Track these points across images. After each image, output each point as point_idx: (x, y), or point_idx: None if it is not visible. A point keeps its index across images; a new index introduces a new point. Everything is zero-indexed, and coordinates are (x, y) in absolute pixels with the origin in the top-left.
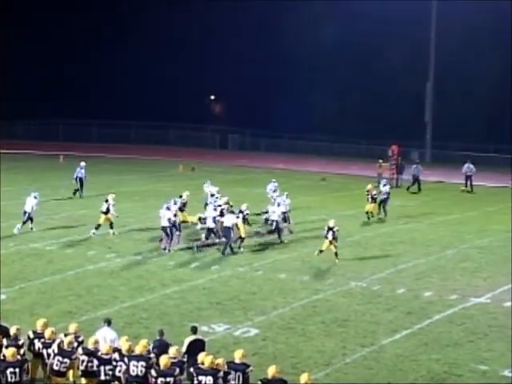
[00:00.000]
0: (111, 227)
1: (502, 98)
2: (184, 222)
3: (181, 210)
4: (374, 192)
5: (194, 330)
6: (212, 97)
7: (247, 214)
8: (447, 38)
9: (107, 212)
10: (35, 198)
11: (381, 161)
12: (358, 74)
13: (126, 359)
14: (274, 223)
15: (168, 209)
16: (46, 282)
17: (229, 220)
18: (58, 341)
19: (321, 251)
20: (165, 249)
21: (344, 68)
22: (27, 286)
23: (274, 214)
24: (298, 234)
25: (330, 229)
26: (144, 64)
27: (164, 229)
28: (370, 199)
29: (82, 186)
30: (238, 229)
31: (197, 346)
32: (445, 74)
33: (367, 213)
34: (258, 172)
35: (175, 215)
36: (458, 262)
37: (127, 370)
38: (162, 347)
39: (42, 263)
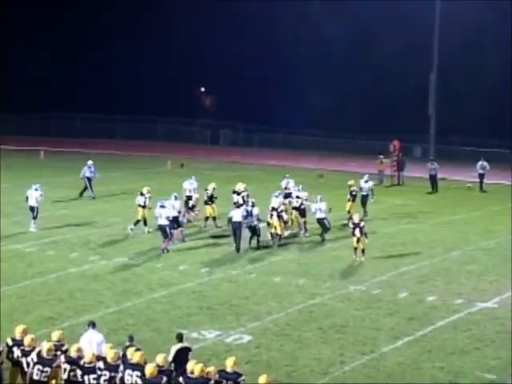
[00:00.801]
0: (145, 224)
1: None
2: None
3: (206, 203)
4: (353, 188)
5: (180, 338)
6: (202, 89)
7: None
8: (452, 25)
9: (145, 206)
10: (36, 189)
11: (381, 157)
12: (357, 65)
13: (121, 367)
14: (325, 221)
15: (162, 207)
16: (26, 286)
17: (237, 214)
18: (37, 349)
19: (355, 249)
20: (164, 251)
21: (342, 59)
22: (5, 290)
23: (320, 211)
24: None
25: (356, 225)
26: (130, 56)
27: (162, 228)
28: (349, 197)
29: (91, 185)
30: (271, 225)
31: (184, 354)
32: (449, 65)
33: (349, 212)
34: (251, 169)
35: (179, 211)
36: (463, 265)
37: (121, 378)
38: None
39: (22, 266)
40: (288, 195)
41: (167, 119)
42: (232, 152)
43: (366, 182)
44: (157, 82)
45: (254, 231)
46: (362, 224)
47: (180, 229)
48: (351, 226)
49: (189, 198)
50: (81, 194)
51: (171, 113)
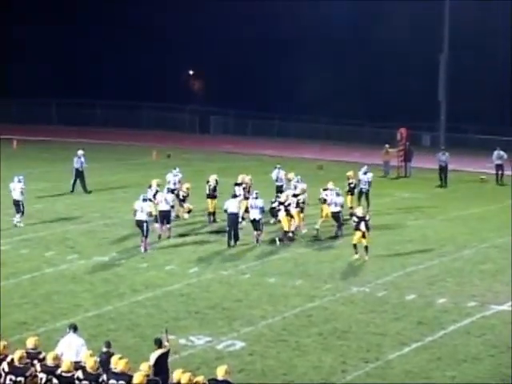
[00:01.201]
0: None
1: None
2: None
3: (209, 196)
4: (352, 181)
5: (159, 344)
6: (190, 72)
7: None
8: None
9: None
10: (20, 181)
11: (387, 146)
12: (359, 45)
13: (104, 376)
14: (340, 215)
15: (145, 200)
16: None
17: (233, 205)
18: (9, 357)
19: (355, 246)
20: (146, 250)
21: (342, 38)
22: None
23: (336, 205)
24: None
25: (360, 219)
26: (111, 37)
27: (140, 224)
28: (347, 189)
29: (82, 178)
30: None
31: (164, 361)
32: (462, 44)
33: (351, 208)
34: (245, 159)
35: (172, 206)
36: (476, 264)
37: None
38: (109, 360)
39: None
40: (280, 188)
41: (152, 105)
42: (224, 141)
43: (365, 173)
44: (140, 65)
45: (257, 225)
46: (367, 217)
47: (168, 225)
48: (355, 219)
49: (172, 190)
50: (72, 190)
51: (156, 98)
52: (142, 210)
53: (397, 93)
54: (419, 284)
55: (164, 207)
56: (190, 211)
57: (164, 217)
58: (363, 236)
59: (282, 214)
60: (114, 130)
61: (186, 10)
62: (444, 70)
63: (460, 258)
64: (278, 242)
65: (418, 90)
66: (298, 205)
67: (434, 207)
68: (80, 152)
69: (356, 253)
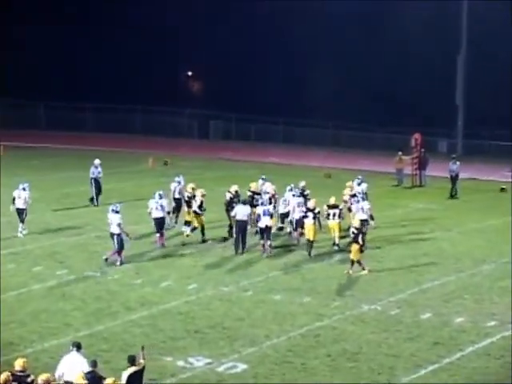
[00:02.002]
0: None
1: None
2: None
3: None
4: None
5: (132, 361)
6: (189, 73)
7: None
8: None
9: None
10: (24, 189)
11: (400, 153)
12: (371, 45)
13: None
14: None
15: (115, 212)
16: None
17: (242, 212)
18: None
19: (353, 263)
20: (122, 263)
21: (352, 37)
22: None
23: (363, 211)
24: (296, 245)
25: (359, 231)
26: (101, 34)
27: (112, 237)
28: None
29: (99, 190)
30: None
31: (137, 378)
32: (480, 45)
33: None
34: (247, 167)
35: (168, 212)
36: (495, 280)
37: None
38: (94, 380)
39: None
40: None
41: (147, 108)
42: (224, 147)
43: (359, 184)
44: (135, 65)
45: (268, 234)
46: (364, 229)
47: (157, 234)
48: (354, 231)
49: (177, 200)
50: (91, 200)
51: (152, 101)
52: (112, 222)
53: (411, 95)
54: (435, 301)
55: (157, 214)
56: (194, 228)
57: (158, 224)
58: (360, 250)
59: (309, 222)
60: (106, 136)
61: (185, 7)
62: (462, 72)
63: (478, 274)
64: (309, 255)
65: (433, 93)
66: (335, 215)
67: (450, 218)
68: (97, 161)
69: (363, 268)
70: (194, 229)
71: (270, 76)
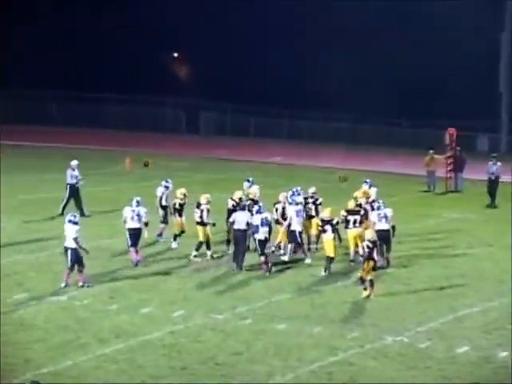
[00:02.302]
0: (208, 247)
1: None
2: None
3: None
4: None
5: None
6: (175, 54)
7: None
8: None
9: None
10: None
11: (432, 152)
12: (394, 20)
13: None
14: (390, 235)
15: (74, 223)
16: None
17: (242, 219)
18: None
19: (363, 281)
20: (83, 285)
21: (371, 14)
22: None
23: (386, 220)
24: (304, 264)
25: (374, 244)
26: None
27: (65, 252)
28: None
29: (78, 196)
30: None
31: None
32: None
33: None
34: (244, 168)
35: (146, 223)
36: None
37: None
38: None
39: None
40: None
41: (124, 98)
42: (218, 144)
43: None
44: (109, 45)
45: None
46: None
47: (131, 249)
48: (369, 245)
49: (164, 207)
50: (63, 211)
51: (130, 88)
52: (69, 235)
53: (443, 83)
54: (473, 332)
55: (133, 224)
56: (182, 232)
57: (132, 236)
58: (374, 268)
59: (328, 237)
60: (74, 130)
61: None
62: (507, 54)
63: None
64: (323, 273)
65: (470, 79)
66: (355, 222)
67: (492, 231)
68: (74, 163)
69: (367, 289)
70: (199, 245)
71: (272, 58)
